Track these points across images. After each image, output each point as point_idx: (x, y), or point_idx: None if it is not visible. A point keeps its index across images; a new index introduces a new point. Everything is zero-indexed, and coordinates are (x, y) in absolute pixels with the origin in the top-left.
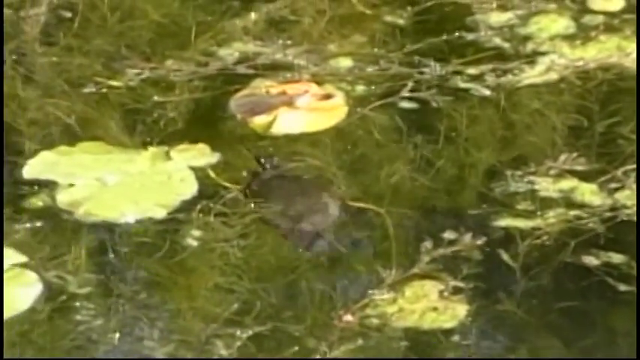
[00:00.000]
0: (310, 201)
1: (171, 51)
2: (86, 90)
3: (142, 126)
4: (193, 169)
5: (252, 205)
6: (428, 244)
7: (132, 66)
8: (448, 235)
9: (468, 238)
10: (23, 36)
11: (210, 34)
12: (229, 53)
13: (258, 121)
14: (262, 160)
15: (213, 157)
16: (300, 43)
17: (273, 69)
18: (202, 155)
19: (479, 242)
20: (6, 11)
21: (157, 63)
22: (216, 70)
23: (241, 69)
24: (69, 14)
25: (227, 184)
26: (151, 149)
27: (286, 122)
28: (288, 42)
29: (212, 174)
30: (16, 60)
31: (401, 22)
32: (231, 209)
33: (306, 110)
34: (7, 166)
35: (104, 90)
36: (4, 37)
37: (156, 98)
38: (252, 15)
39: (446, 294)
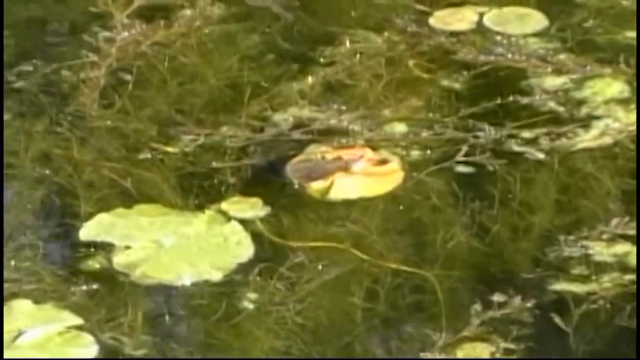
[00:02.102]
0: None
1: (226, 116)
2: (142, 156)
3: (198, 190)
4: (245, 222)
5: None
6: (478, 306)
7: (187, 132)
8: (498, 297)
9: (518, 300)
10: (82, 98)
11: (266, 97)
12: (284, 118)
13: (316, 186)
14: None
15: (263, 211)
16: (355, 108)
17: (329, 134)
18: (254, 209)
19: (529, 305)
20: (65, 73)
21: (211, 129)
22: (272, 136)
23: (296, 134)
24: (128, 76)
25: (291, 244)
26: (208, 212)
27: (343, 187)
28: (343, 107)
29: (266, 232)
30: (73, 122)
31: (456, 86)
32: (289, 272)
33: (362, 175)
34: (64, 228)
35: (160, 156)
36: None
37: (214, 164)
38: (310, 79)
39: (498, 355)
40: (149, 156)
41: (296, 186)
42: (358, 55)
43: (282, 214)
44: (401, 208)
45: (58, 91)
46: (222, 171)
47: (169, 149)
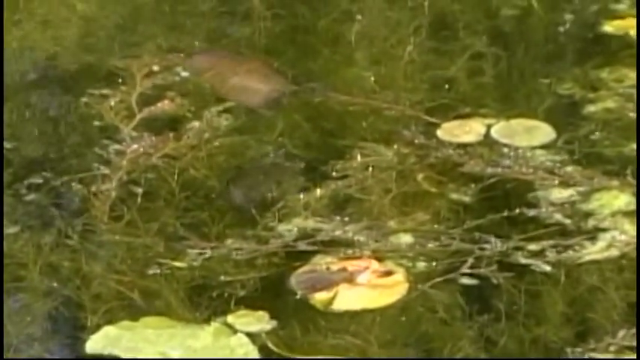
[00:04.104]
0: None
1: (231, 229)
2: (150, 271)
3: (205, 302)
4: (251, 335)
5: None
6: None
7: (192, 246)
8: None
9: None
10: (94, 211)
11: (272, 210)
12: (288, 229)
13: (319, 297)
14: None
15: (270, 324)
16: (359, 220)
17: (334, 245)
18: (260, 323)
19: None
20: (77, 186)
21: (217, 242)
22: (277, 247)
23: (302, 245)
24: (138, 189)
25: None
26: (214, 324)
27: (347, 299)
28: (346, 218)
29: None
30: (83, 235)
31: (464, 198)
32: None
33: (366, 287)
34: (71, 341)
35: (168, 271)
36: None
37: (222, 278)
38: (318, 191)
39: None
40: (158, 271)
41: (299, 297)
42: (370, 169)
43: (288, 327)
44: (403, 319)
45: (69, 204)
46: (229, 284)
47: (177, 264)
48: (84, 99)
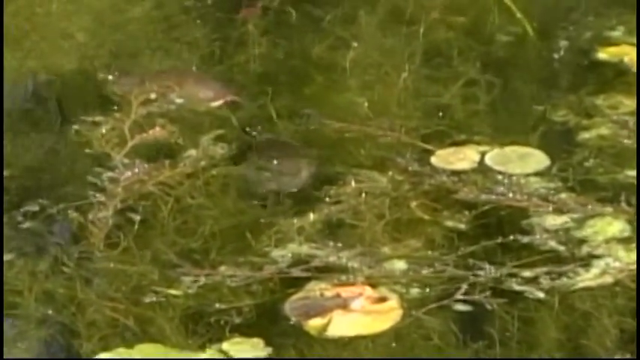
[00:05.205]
0: None
1: (223, 256)
2: (146, 299)
3: (200, 330)
4: None
5: None
6: None
7: (187, 274)
8: None
9: None
10: (90, 238)
11: (266, 235)
12: (282, 255)
13: (314, 323)
14: None
15: (265, 351)
16: (353, 246)
17: (328, 271)
18: (255, 350)
19: None
20: (73, 214)
21: (211, 269)
22: (271, 273)
23: (296, 272)
24: (134, 216)
25: None
26: (209, 351)
27: (341, 325)
28: (340, 244)
29: None
30: (78, 262)
31: (458, 226)
32: None
33: (360, 313)
34: None
35: (163, 299)
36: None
37: (217, 306)
38: (311, 216)
39: None
40: (153, 299)
41: (293, 323)
42: (364, 195)
43: (283, 353)
44: (397, 345)
45: (65, 232)
46: (224, 311)
47: (172, 291)
48: (75, 126)
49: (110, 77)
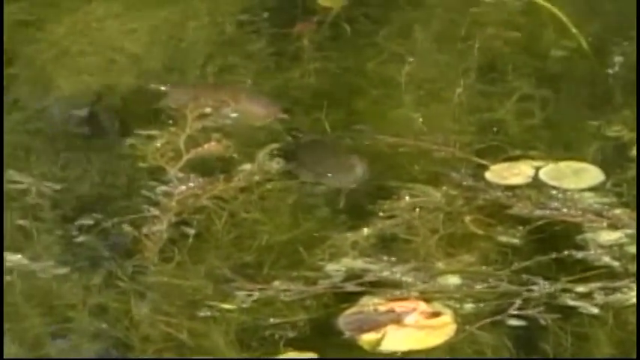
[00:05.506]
0: None
1: (277, 270)
2: (200, 314)
3: (254, 344)
4: None
5: None
6: None
7: (240, 288)
8: None
9: None
10: (146, 252)
11: (319, 249)
12: (336, 269)
13: (367, 338)
14: None
15: None
16: (407, 261)
17: (381, 286)
18: None
19: None
20: (127, 228)
21: (264, 284)
22: (325, 288)
23: (350, 286)
24: (188, 230)
25: None
26: None
27: (395, 340)
28: (393, 259)
29: None
30: (132, 276)
31: (512, 241)
32: None
33: (414, 328)
34: None
35: (217, 313)
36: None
37: (271, 320)
38: (365, 230)
39: None
40: (208, 313)
41: (347, 337)
42: (418, 210)
43: None
44: None
45: (119, 245)
46: (278, 325)
47: (226, 306)
48: (130, 140)
49: (165, 91)
